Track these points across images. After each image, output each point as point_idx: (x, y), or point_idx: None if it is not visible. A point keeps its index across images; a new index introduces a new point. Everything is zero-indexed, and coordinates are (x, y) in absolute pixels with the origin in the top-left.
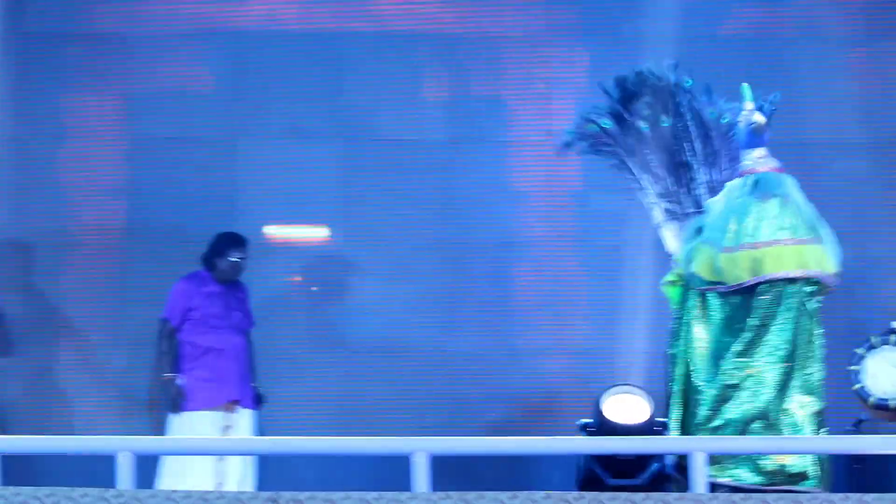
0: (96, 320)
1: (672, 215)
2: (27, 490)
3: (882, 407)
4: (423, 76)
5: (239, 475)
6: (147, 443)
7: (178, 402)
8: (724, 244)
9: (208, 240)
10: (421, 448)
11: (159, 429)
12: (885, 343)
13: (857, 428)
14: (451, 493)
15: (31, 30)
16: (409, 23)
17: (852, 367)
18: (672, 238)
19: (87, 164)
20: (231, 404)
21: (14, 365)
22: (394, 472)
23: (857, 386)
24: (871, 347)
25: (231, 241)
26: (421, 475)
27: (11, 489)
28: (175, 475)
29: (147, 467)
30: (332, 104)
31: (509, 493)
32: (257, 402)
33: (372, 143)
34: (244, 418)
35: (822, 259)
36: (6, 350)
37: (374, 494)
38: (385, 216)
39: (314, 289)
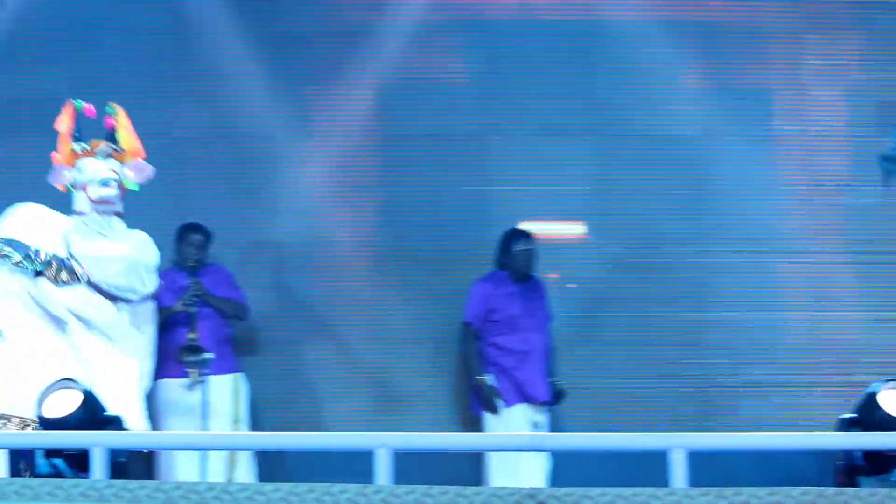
0: (348, 318)
1: None
2: (286, 486)
3: None
4: (679, 67)
5: (540, 470)
6: (405, 439)
7: (494, 403)
8: None
9: (462, 237)
10: (678, 445)
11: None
12: None
13: None
14: (709, 489)
15: (282, 29)
16: (665, 11)
17: None
18: None
19: (338, 161)
20: (539, 404)
21: (265, 363)
22: (648, 467)
23: None
24: None
25: (512, 235)
26: (678, 472)
27: (271, 485)
28: (505, 471)
29: (406, 461)
30: (585, 98)
31: (767, 489)
32: (557, 398)
33: (626, 138)
34: (547, 416)
35: None
36: (254, 348)
37: (631, 490)
38: (639, 212)
39: (570, 285)
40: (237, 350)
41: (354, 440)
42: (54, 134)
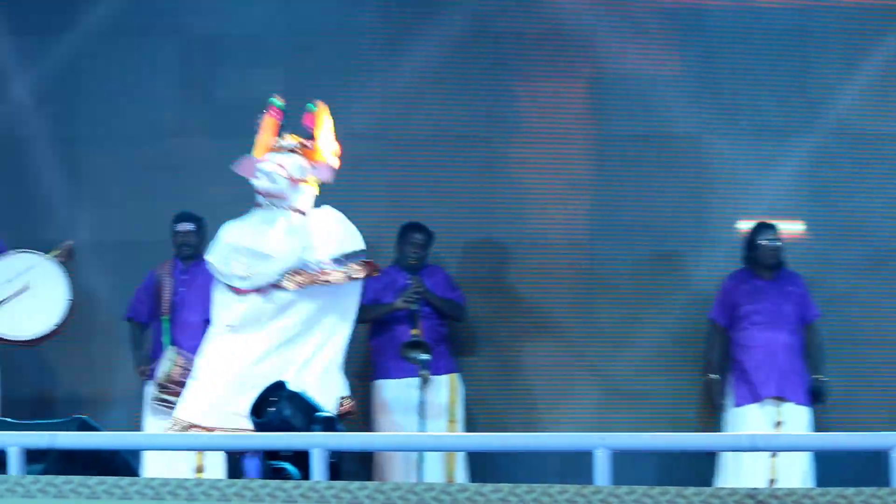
0: (565, 318)
1: None
2: (506, 487)
3: None
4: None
5: (798, 470)
6: (624, 439)
7: (718, 401)
8: None
9: (677, 236)
10: None
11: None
12: None
13: None
14: None
15: (499, 31)
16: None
17: None
18: None
19: (556, 162)
20: (776, 399)
21: (482, 363)
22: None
23: None
24: None
25: (757, 229)
26: None
27: (490, 486)
28: (729, 470)
29: (627, 462)
30: (800, 95)
31: None
32: (815, 396)
33: (842, 136)
34: (797, 414)
35: None
36: (470, 348)
37: (853, 490)
38: (857, 210)
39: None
40: (454, 350)
41: (573, 440)
42: None
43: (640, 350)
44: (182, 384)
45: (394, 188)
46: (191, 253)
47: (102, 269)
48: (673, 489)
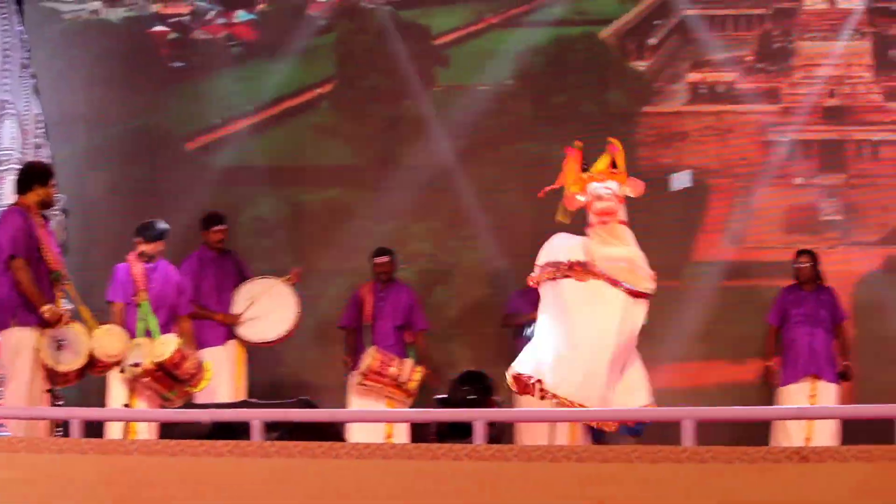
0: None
1: None
2: None
3: None
4: None
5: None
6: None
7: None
8: None
9: None
10: None
11: None
12: None
13: None
14: None
15: None
16: None
17: None
18: None
19: None
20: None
21: None
22: None
23: None
24: None
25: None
26: None
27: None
28: None
29: None
30: None
31: None
32: (841, 377)
33: None
34: (825, 391)
35: None
36: None
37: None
38: None
39: None
40: None
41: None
42: None
43: None
44: (381, 374)
45: None
46: (386, 279)
47: (323, 287)
48: None
